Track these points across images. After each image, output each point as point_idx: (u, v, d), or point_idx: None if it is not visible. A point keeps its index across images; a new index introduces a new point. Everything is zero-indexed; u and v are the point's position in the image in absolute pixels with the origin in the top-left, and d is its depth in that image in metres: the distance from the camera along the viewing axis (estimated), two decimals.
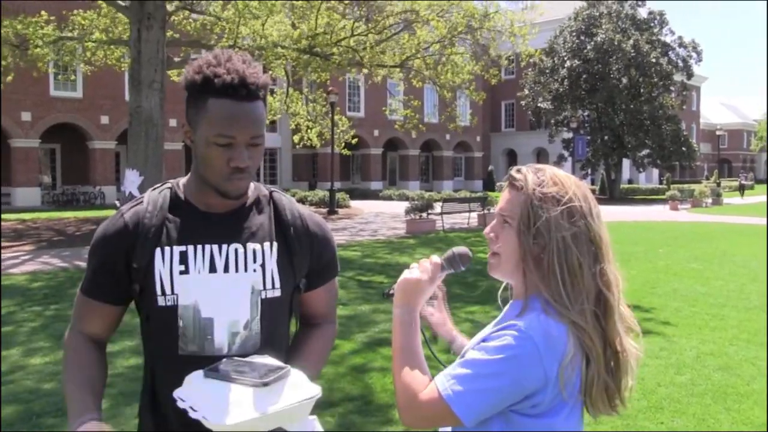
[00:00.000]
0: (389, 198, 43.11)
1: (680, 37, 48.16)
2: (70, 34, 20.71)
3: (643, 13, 48.32)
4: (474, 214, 24.43)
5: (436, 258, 1.78)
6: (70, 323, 1.95)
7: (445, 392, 1.53)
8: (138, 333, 1.98)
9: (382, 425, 5.14)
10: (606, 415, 1.67)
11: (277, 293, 1.90)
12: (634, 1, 48.15)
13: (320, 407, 5.39)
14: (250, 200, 1.94)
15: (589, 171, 48.57)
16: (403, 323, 1.70)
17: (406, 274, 1.75)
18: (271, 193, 2.00)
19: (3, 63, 20.46)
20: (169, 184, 1.94)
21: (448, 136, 56.74)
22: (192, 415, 1.57)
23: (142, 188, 14.32)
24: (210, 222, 1.87)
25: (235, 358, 1.77)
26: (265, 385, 1.60)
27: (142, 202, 1.89)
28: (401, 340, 1.68)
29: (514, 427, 1.57)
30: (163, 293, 1.80)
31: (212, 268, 1.83)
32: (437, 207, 22.65)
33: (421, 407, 1.57)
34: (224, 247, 1.85)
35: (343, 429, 5.09)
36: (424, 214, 21.66)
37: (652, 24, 47.42)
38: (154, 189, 1.93)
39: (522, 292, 1.67)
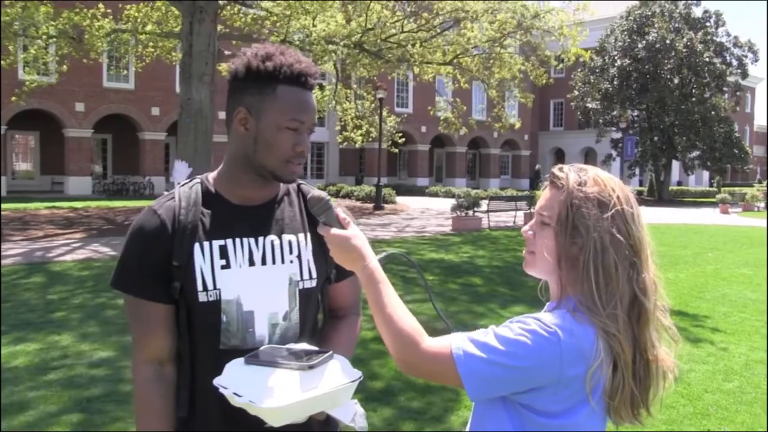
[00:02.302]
0: (435, 195, 43.06)
1: (736, 37, 47.18)
2: (124, 27, 21.07)
3: (697, 12, 47.42)
4: (520, 213, 24.30)
5: (320, 228, 1.76)
6: (134, 348, 1.88)
7: (456, 352, 1.52)
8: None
9: (443, 412, 5.18)
10: (628, 423, 1.63)
11: (313, 284, 1.94)
12: (689, 1, 47.24)
13: (379, 397, 5.41)
14: (281, 192, 1.97)
15: (637, 171, 47.87)
16: (365, 278, 1.68)
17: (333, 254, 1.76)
18: (299, 185, 2.03)
19: (59, 53, 20.95)
20: (197, 179, 1.95)
21: (495, 134, 56.35)
22: (236, 401, 1.58)
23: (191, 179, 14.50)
24: (244, 215, 1.89)
25: (273, 345, 1.80)
26: (311, 368, 1.61)
27: (173, 197, 1.89)
28: (371, 293, 1.66)
29: (525, 425, 1.56)
30: (205, 289, 1.80)
31: (251, 261, 1.85)
32: (483, 205, 22.54)
33: (425, 358, 1.56)
34: (260, 239, 1.88)
35: (403, 417, 5.14)
36: (470, 212, 21.60)
37: (707, 24, 46.51)
38: (183, 184, 1.93)
39: (557, 292, 1.66)
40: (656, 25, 44.50)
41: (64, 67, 22.34)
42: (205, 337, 1.83)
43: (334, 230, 1.72)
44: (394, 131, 30.27)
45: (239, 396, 1.58)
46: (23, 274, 11.12)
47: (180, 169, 14.92)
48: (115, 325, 7.77)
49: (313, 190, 1.76)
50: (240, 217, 1.89)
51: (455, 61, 22.91)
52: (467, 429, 1.72)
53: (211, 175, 1.97)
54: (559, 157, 65.84)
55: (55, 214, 23.25)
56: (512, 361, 1.49)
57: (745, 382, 6.29)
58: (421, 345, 1.57)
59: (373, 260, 1.70)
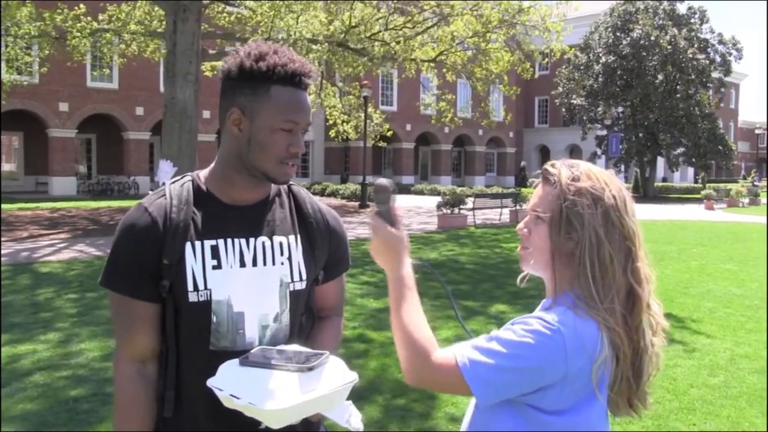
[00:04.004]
0: (421, 192, 43.08)
1: (720, 34, 47.45)
2: (106, 26, 20.94)
3: (682, 9, 47.63)
4: (506, 210, 24.33)
5: (373, 217, 1.76)
6: (117, 345, 1.86)
7: (462, 361, 1.53)
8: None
9: (427, 409, 5.19)
10: (626, 416, 1.65)
11: (303, 285, 1.92)
12: None
13: (363, 395, 5.41)
14: (272, 193, 1.96)
15: (622, 168, 48.06)
16: (394, 281, 1.69)
17: (370, 245, 1.75)
18: (289, 186, 2.02)
19: (41, 54, 20.77)
20: (189, 177, 1.92)
21: (480, 132, 56.49)
22: (234, 402, 1.57)
23: None
24: (236, 215, 1.87)
25: (266, 346, 1.78)
26: (310, 369, 1.61)
27: (164, 195, 1.85)
28: (395, 297, 1.67)
29: (530, 424, 1.57)
30: (196, 289, 1.78)
31: (242, 262, 1.84)
32: (469, 202, 22.58)
33: (432, 370, 1.56)
34: (251, 240, 1.86)
35: (389, 416, 5.13)
36: (456, 210, 21.62)
37: (691, 20, 46.73)
38: (174, 182, 1.90)
39: (552, 288, 1.67)
40: (640, 22, 44.66)
41: (44, 69, 22.19)
42: (195, 338, 1.81)
43: (388, 227, 1.72)
44: (382, 127, 30.21)
45: (237, 398, 1.56)
46: (9, 275, 11.04)
47: (165, 168, 14.86)
48: (101, 326, 7.73)
49: (381, 179, 1.75)
50: (232, 218, 1.87)
51: (441, 57, 22.94)
52: (464, 428, 1.72)
53: (202, 173, 1.95)
54: (545, 154, 66.03)
55: (39, 215, 23.09)
56: (518, 363, 1.50)
57: (730, 377, 6.34)
58: (430, 357, 1.57)
59: (407, 266, 1.71)
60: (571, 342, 1.50)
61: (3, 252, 13.64)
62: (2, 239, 15.82)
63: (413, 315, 1.64)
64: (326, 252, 2.01)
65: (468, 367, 1.52)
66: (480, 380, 1.51)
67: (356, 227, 20.31)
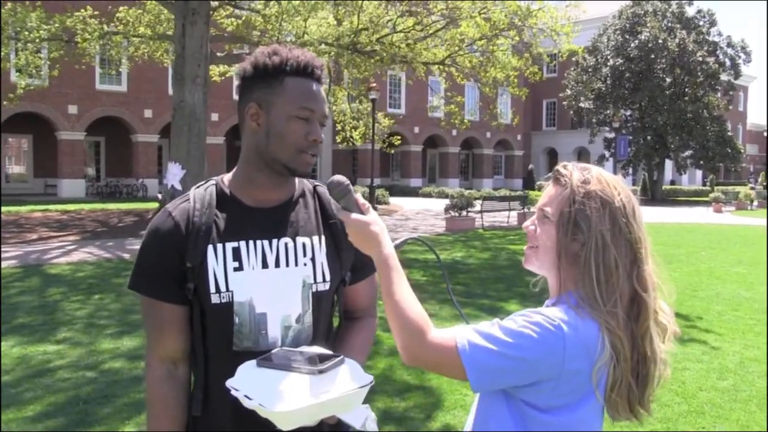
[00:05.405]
0: (429, 195, 43.11)
1: (729, 37, 47.35)
2: (115, 29, 21.00)
3: (690, 11, 47.52)
4: (513, 213, 24.32)
5: (339, 212, 1.77)
6: (147, 347, 1.90)
7: (461, 343, 1.53)
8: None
9: (448, 411, 5.19)
10: (626, 420, 1.65)
11: (327, 286, 1.93)
12: (681, 0, 47.38)
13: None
14: (296, 194, 1.97)
15: (630, 171, 47.96)
16: (379, 264, 1.69)
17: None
18: (315, 187, 2.03)
19: (50, 58, 20.87)
20: (213, 181, 1.95)
21: (488, 134, 56.45)
22: (247, 403, 1.58)
23: (184, 181, 14.55)
24: (258, 217, 1.89)
25: (287, 347, 1.79)
26: (321, 372, 1.61)
27: (188, 199, 1.89)
28: (383, 280, 1.67)
29: (525, 421, 1.58)
30: (218, 290, 1.81)
31: (264, 264, 1.85)
32: (477, 205, 22.57)
33: (429, 349, 1.57)
34: (274, 241, 1.88)
35: (384, 420, 5.11)
36: (464, 212, 21.62)
37: (700, 23, 46.62)
38: (199, 186, 1.93)
39: (556, 288, 1.67)
40: (649, 25, 44.60)
41: (56, 72, 22.28)
42: (218, 339, 1.84)
43: (354, 215, 1.72)
44: (389, 133, 30.27)
45: (250, 399, 1.58)
46: (19, 277, 11.10)
47: (173, 171, 14.93)
48: (109, 327, 7.76)
49: (334, 176, 1.76)
50: (254, 219, 1.89)
51: (449, 59, 22.94)
52: (467, 429, 1.73)
53: (226, 177, 1.97)
54: (552, 157, 65.94)
55: (49, 217, 23.19)
56: (516, 353, 1.50)
57: (739, 380, 6.31)
58: (427, 335, 1.57)
59: (388, 247, 1.71)
60: (571, 342, 1.50)
61: (13, 254, 13.73)
62: (13, 241, 15.91)
63: (403, 295, 1.63)
64: (352, 253, 1.99)
65: (467, 350, 1.52)
66: (475, 363, 1.51)
67: None
